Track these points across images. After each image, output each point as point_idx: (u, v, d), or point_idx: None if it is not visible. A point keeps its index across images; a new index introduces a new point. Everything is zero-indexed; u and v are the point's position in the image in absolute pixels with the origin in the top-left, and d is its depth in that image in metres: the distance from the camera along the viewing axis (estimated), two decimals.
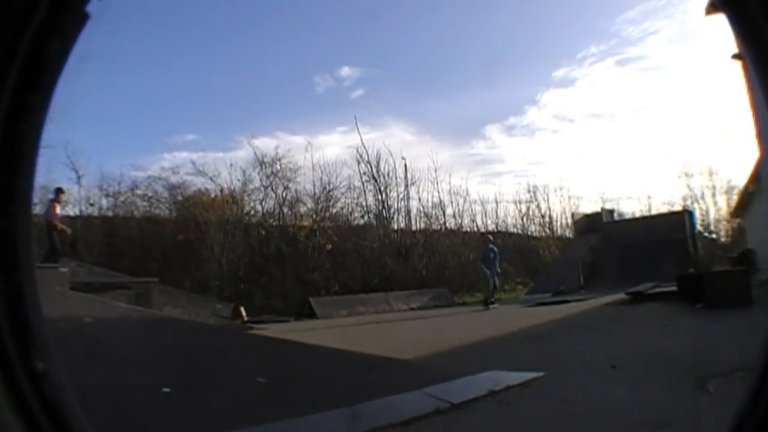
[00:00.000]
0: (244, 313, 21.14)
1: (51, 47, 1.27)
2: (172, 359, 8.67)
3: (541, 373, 7.69)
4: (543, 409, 6.40)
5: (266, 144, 35.32)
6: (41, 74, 1.27)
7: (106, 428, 5.17)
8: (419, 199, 33.87)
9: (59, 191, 20.12)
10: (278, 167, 30.41)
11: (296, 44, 43.75)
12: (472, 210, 35.28)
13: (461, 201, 34.87)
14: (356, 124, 33.74)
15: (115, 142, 42.62)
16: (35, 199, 27.48)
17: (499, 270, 24.12)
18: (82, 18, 1.33)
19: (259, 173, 30.19)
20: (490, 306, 22.15)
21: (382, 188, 32.64)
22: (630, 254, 25.63)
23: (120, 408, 5.85)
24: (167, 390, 6.67)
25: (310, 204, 31.14)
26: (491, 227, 35.10)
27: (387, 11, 46.05)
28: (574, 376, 7.85)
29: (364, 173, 32.46)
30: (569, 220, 36.48)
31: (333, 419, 6.01)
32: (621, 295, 18.09)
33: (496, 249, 23.94)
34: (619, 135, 51.33)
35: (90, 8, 1.33)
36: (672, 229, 27.41)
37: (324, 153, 44.68)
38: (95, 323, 10.45)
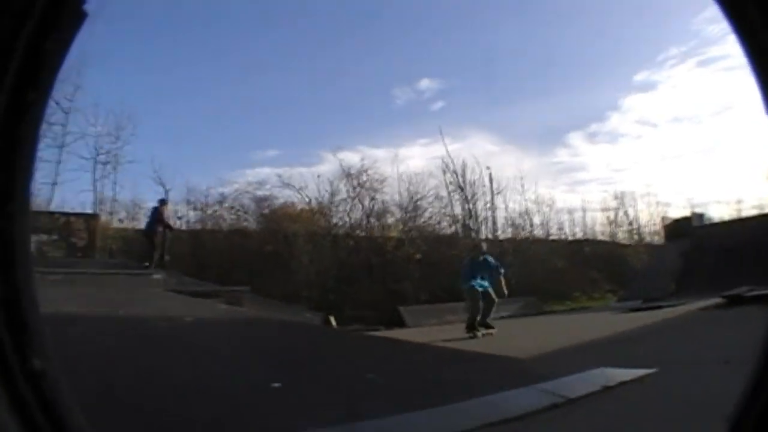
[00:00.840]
0: (333, 322, 21.30)
1: (49, 45, 1.29)
2: (278, 356, 8.82)
3: (652, 370, 7.58)
4: (661, 402, 6.27)
5: (348, 158, 35.75)
6: (40, 72, 1.29)
7: (223, 424, 5.34)
8: (506, 208, 33.70)
9: (163, 202, 21.49)
10: (364, 179, 30.69)
11: (374, 59, 44.22)
12: (559, 219, 34.98)
13: (547, 210, 34.63)
14: (441, 134, 33.84)
15: (197, 159, 43.81)
16: (123, 213, 28.57)
17: (506, 291, 16.59)
18: (79, 16, 1.36)
19: (345, 185, 30.55)
20: (480, 332, 15.49)
21: (468, 197, 32.56)
22: (722, 258, 24.73)
23: (232, 403, 5.99)
24: (277, 385, 6.80)
25: (397, 214, 31.32)
26: (579, 235, 34.78)
27: (464, 22, 46.06)
28: (687, 372, 7.67)
29: (450, 183, 32.46)
30: (658, 226, 35.80)
31: (448, 414, 5.99)
32: (716, 300, 17.64)
33: (492, 260, 16.76)
34: (703, 138, 49.94)
35: (88, 7, 1.36)
36: (765, 231, 26.62)
37: (406, 165, 44.87)
38: (197, 323, 10.71)
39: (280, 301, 22.68)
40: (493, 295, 16.14)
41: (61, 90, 26.91)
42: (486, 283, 16.14)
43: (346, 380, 7.59)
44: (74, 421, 1.32)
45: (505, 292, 16.67)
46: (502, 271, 16.79)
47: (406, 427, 5.60)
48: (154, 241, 20.37)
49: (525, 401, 6.31)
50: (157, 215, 20.73)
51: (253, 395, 6.46)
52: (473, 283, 15.98)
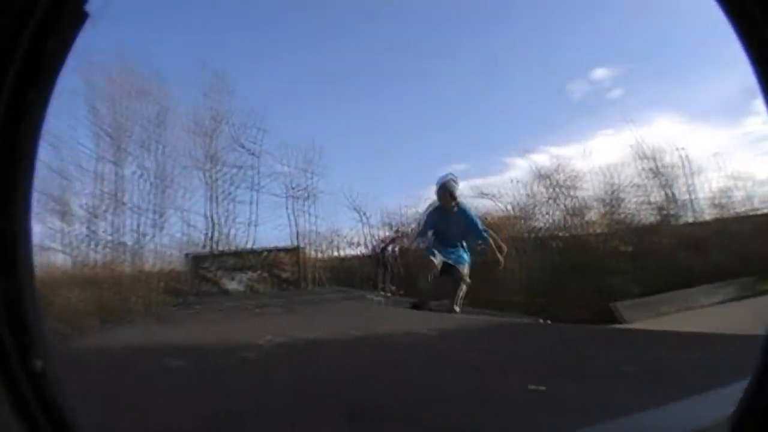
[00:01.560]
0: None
1: (50, 46, 1.31)
2: (523, 357, 9.01)
3: None
4: None
5: (536, 160, 35.39)
6: (40, 73, 1.31)
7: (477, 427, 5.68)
8: (706, 188, 32.41)
9: (398, 233, 24.72)
10: (559, 177, 30.58)
11: (544, 57, 43.71)
12: (762, 191, 33.18)
13: (749, 184, 33.00)
14: (627, 122, 32.80)
15: (387, 181, 44.91)
16: (323, 244, 30.30)
17: (501, 260, 11.39)
18: (81, 17, 1.38)
19: (540, 186, 30.57)
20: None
21: (668, 181, 31.61)
22: None
23: (491, 407, 6.25)
24: (541, 388, 7.01)
25: (597, 209, 30.92)
26: None
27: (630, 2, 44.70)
28: None
29: (647, 169, 31.63)
30: None
31: (718, 398, 5.97)
32: None
33: (472, 214, 11.45)
34: None
35: (89, 7, 1.38)
36: None
37: (596, 158, 44.12)
38: (438, 334, 11.12)
39: (492, 308, 23.03)
40: (465, 274, 11.11)
41: (246, 134, 29.52)
42: (460, 256, 11.11)
43: (601, 374, 7.62)
44: (76, 422, 1.35)
45: (501, 261, 11.29)
46: (486, 236, 11.24)
47: (690, 413, 5.69)
48: (383, 266, 22.00)
49: None
50: (388, 243, 22.50)
51: (504, 398, 6.73)
52: (433, 251, 10.87)
